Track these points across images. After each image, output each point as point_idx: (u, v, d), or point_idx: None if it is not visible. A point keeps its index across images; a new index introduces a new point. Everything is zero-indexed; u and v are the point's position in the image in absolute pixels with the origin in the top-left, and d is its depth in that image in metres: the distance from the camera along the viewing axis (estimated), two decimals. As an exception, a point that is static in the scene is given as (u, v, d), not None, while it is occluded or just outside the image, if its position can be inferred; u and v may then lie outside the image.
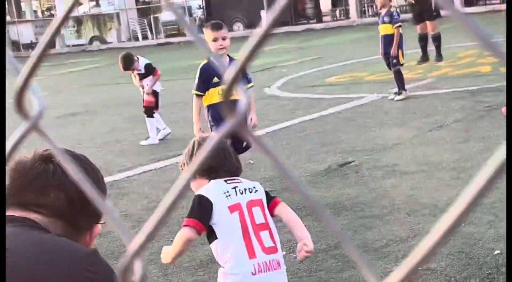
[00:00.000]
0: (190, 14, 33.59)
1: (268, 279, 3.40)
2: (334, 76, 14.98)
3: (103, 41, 34.58)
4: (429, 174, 7.10)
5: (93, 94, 17.21)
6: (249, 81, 6.76)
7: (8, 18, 36.70)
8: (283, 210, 3.56)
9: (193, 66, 20.44)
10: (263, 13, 32.47)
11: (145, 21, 34.33)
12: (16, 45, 35.37)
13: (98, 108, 14.51)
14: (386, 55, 11.40)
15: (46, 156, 1.85)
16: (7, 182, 1.83)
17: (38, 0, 38.16)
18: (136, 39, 34.12)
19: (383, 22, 11.37)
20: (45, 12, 38.29)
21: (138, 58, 10.74)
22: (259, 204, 3.48)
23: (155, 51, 26.68)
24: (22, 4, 37.56)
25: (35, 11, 38.07)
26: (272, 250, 3.44)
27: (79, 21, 34.83)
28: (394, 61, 11.21)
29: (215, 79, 6.64)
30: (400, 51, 11.22)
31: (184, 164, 3.59)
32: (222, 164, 3.48)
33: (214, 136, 0.51)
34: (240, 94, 0.52)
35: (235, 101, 0.52)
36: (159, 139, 10.40)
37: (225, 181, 3.48)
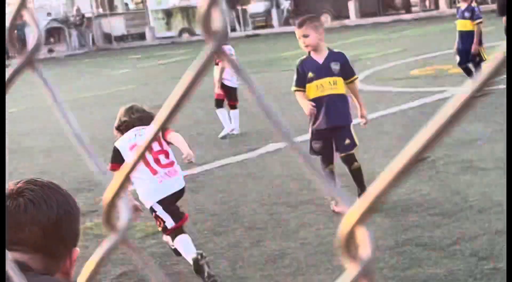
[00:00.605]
0: (278, 6, 33.65)
1: (169, 183, 5.41)
2: (417, 69, 14.82)
3: (192, 33, 35.02)
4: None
5: (179, 86, 17.44)
6: (353, 73, 6.74)
7: (100, 10, 37.55)
8: (172, 135, 5.46)
9: (278, 59, 20.56)
10: (350, 4, 32.27)
11: (233, 13, 34.59)
12: (108, 38, 36.16)
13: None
14: (462, 52, 11.20)
15: (17, 191, 1.87)
16: None
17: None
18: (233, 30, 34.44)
19: (463, 17, 11.17)
20: (137, 5, 39.01)
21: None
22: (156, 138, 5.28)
23: (242, 43, 26.86)
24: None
25: (126, 4, 38.83)
26: (168, 165, 5.42)
27: (169, 13, 35.35)
28: (477, 59, 11.00)
29: (310, 74, 6.68)
30: (481, 47, 11.02)
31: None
32: (132, 121, 5.41)
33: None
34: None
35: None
36: (222, 137, 10.52)
37: (133, 131, 5.37)
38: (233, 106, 10.80)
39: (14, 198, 1.85)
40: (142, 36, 35.62)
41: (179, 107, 0.52)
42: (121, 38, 35.72)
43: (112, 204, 0.58)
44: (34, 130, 13.13)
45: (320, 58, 6.69)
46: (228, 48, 10.86)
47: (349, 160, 6.62)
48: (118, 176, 0.57)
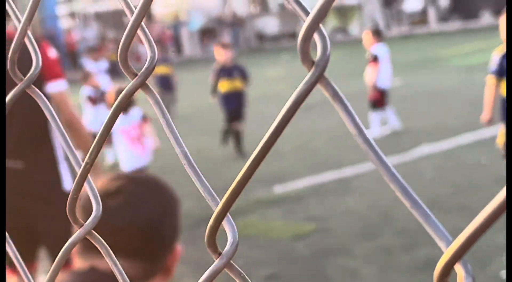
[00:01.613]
0: (435, 3, 32.91)
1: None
2: None
3: (346, 33, 34.83)
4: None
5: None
6: None
7: (253, 10, 38.00)
8: None
9: (432, 58, 20.06)
10: None
11: (389, 11, 34.14)
12: (260, 37, 36.54)
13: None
14: None
15: (115, 189, 1.69)
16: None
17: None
18: (378, 30, 34.00)
19: None
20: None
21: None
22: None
23: (398, 42, 26.43)
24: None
25: (279, 4, 39.10)
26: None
27: None
28: None
29: None
30: None
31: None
32: None
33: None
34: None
35: None
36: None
37: None
38: (382, 107, 10.68)
39: (111, 197, 1.66)
40: (294, 36, 35.77)
41: (278, 136, 0.48)
42: (273, 38, 36.00)
43: (216, 227, 0.54)
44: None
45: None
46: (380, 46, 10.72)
47: None
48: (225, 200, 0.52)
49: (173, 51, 33.17)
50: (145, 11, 0.58)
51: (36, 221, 3.90)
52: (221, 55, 10.57)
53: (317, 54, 0.47)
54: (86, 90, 10.60)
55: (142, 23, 0.59)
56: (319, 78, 0.47)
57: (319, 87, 0.48)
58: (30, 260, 4.03)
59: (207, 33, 35.27)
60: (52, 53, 4.03)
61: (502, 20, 6.36)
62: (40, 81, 3.87)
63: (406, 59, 19.73)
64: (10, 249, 0.87)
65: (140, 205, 1.68)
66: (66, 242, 0.75)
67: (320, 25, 0.46)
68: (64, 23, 34.80)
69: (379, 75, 10.75)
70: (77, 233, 0.73)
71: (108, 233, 1.62)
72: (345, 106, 0.47)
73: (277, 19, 37.02)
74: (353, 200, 7.34)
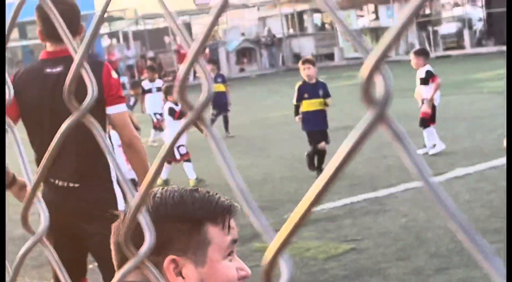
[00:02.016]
0: (470, 27, 32.86)
1: None
2: None
3: (382, 54, 34.82)
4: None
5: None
6: None
7: (290, 31, 38.21)
8: None
9: (469, 80, 20.03)
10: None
11: (424, 34, 34.14)
12: (297, 57, 36.71)
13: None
14: None
15: (156, 192, 1.75)
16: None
17: (320, 14, 39.38)
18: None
19: None
20: (326, 26, 39.41)
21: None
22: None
23: (433, 64, 26.37)
24: (305, 17, 38.91)
25: (316, 25, 39.27)
26: None
27: (358, 34, 35.38)
28: None
29: None
30: None
31: None
32: None
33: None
34: None
35: None
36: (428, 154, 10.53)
37: None
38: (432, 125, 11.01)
39: (152, 197, 1.71)
40: (330, 57, 35.89)
41: (342, 170, 0.50)
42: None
43: (273, 263, 0.55)
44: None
45: None
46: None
47: None
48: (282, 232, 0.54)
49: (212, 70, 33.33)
50: (203, 45, 0.60)
51: (88, 238, 3.99)
52: (303, 72, 10.44)
53: (379, 93, 0.47)
54: (167, 105, 11.06)
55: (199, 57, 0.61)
56: (380, 117, 0.47)
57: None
58: (80, 276, 4.18)
59: (244, 53, 35.53)
60: (114, 74, 4.08)
61: None
62: (102, 102, 3.93)
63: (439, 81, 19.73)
64: (60, 271, 0.89)
65: (176, 204, 1.72)
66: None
67: (382, 64, 0.47)
68: (105, 42, 35.28)
69: (437, 92, 11.23)
70: (130, 263, 0.75)
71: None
72: (407, 150, 0.47)
73: (313, 40, 37.18)
74: (387, 221, 7.43)
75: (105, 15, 0.78)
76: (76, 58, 0.77)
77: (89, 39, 0.77)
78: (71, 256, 3.91)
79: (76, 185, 3.97)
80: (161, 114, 12.81)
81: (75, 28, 3.93)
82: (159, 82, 15.12)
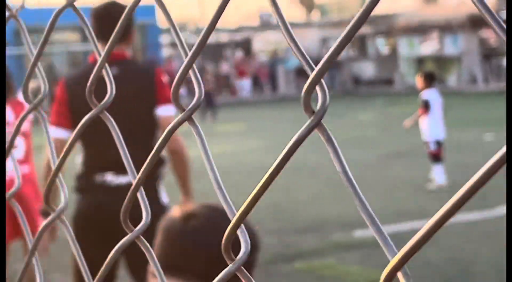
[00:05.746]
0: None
1: None
2: None
3: (442, 83, 34.53)
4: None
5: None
6: None
7: (351, 54, 38.10)
8: None
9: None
10: None
11: (488, 66, 33.71)
12: (356, 81, 36.58)
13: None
14: None
15: (188, 214, 1.75)
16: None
17: (382, 39, 39.21)
18: (474, 82, 33.61)
19: None
20: (388, 50, 39.19)
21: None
22: None
23: (495, 97, 26.03)
24: (367, 41, 38.78)
25: (377, 49, 39.10)
26: None
27: (420, 61, 35.13)
28: None
29: None
30: None
31: None
32: None
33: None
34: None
35: None
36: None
37: None
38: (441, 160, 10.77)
39: (183, 221, 1.73)
40: (389, 82, 35.66)
41: (277, 173, 0.56)
42: (369, 83, 35.96)
43: (231, 235, 0.62)
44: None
45: None
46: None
47: None
48: None
49: (268, 88, 33.48)
50: (198, 55, 0.66)
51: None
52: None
53: (318, 105, 0.56)
54: None
55: (194, 65, 0.68)
56: (316, 125, 0.55)
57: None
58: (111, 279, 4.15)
59: (303, 73, 35.54)
60: (165, 78, 4.13)
61: None
62: (153, 103, 4.01)
63: (501, 115, 19.42)
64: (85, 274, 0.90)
65: (212, 230, 1.71)
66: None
67: (322, 80, 0.55)
68: (166, 52, 35.63)
69: (430, 125, 10.68)
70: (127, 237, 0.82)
71: (179, 253, 1.70)
72: (335, 150, 0.54)
73: (374, 64, 37.01)
74: (434, 252, 7.27)
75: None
76: (99, 60, 0.83)
77: (110, 45, 0.81)
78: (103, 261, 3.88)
79: (125, 181, 3.97)
80: None
81: (125, 34, 3.96)
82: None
